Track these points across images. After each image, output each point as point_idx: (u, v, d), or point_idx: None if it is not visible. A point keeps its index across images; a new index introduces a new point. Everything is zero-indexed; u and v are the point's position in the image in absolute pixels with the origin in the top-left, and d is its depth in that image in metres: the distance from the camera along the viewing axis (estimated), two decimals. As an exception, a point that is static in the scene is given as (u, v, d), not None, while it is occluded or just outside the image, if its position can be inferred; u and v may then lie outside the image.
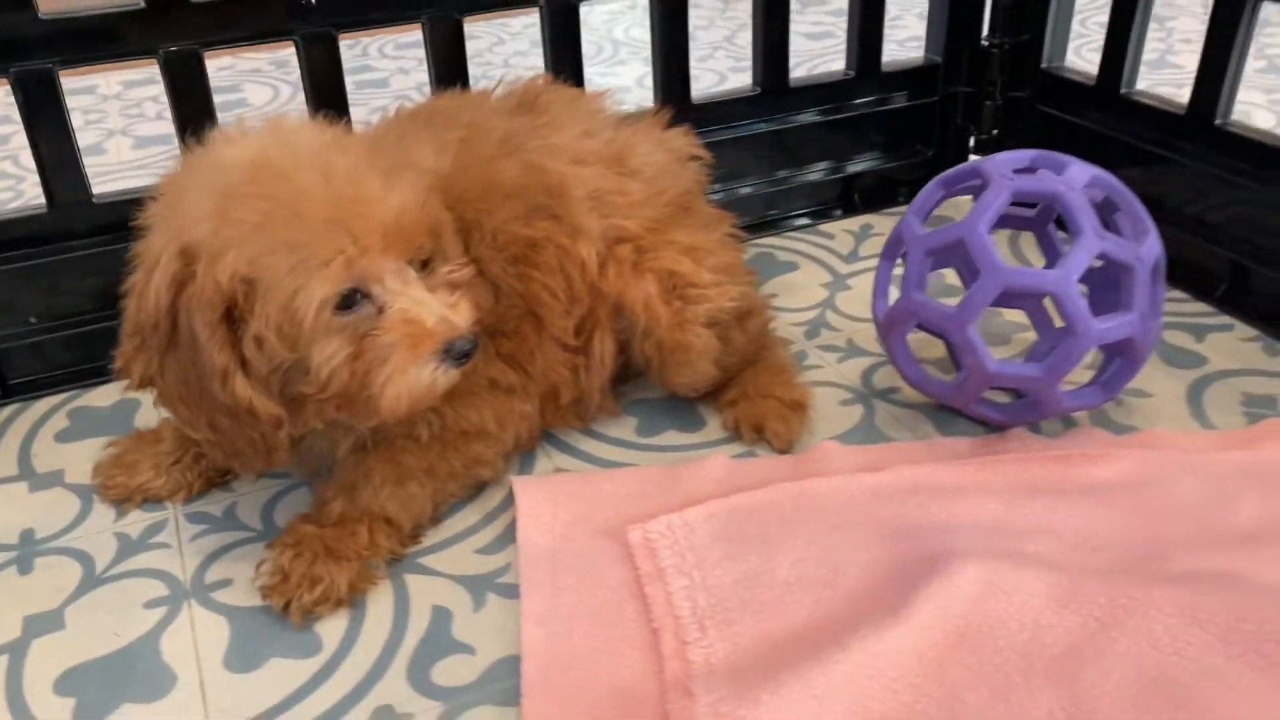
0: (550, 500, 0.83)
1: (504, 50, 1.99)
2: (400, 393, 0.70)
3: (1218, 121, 1.04)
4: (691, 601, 0.73)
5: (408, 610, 0.75)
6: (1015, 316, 1.04)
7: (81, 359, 1.01)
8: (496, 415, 0.82)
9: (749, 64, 1.21)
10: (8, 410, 0.99)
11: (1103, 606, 0.69)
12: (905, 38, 1.92)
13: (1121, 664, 0.66)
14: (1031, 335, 0.99)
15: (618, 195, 0.86)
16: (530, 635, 0.71)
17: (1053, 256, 0.96)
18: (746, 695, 0.64)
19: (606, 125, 0.90)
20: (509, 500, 0.84)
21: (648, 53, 1.16)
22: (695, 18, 2.07)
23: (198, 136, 0.74)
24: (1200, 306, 1.07)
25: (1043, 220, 0.95)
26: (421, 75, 1.06)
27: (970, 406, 0.88)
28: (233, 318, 0.67)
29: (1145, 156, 1.11)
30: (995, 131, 1.29)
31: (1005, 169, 0.85)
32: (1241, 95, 1.06)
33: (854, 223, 1.28)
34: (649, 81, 1.17)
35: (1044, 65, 1.23)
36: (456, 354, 0.71)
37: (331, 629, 0.74)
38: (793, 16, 1.17)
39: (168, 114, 0.97)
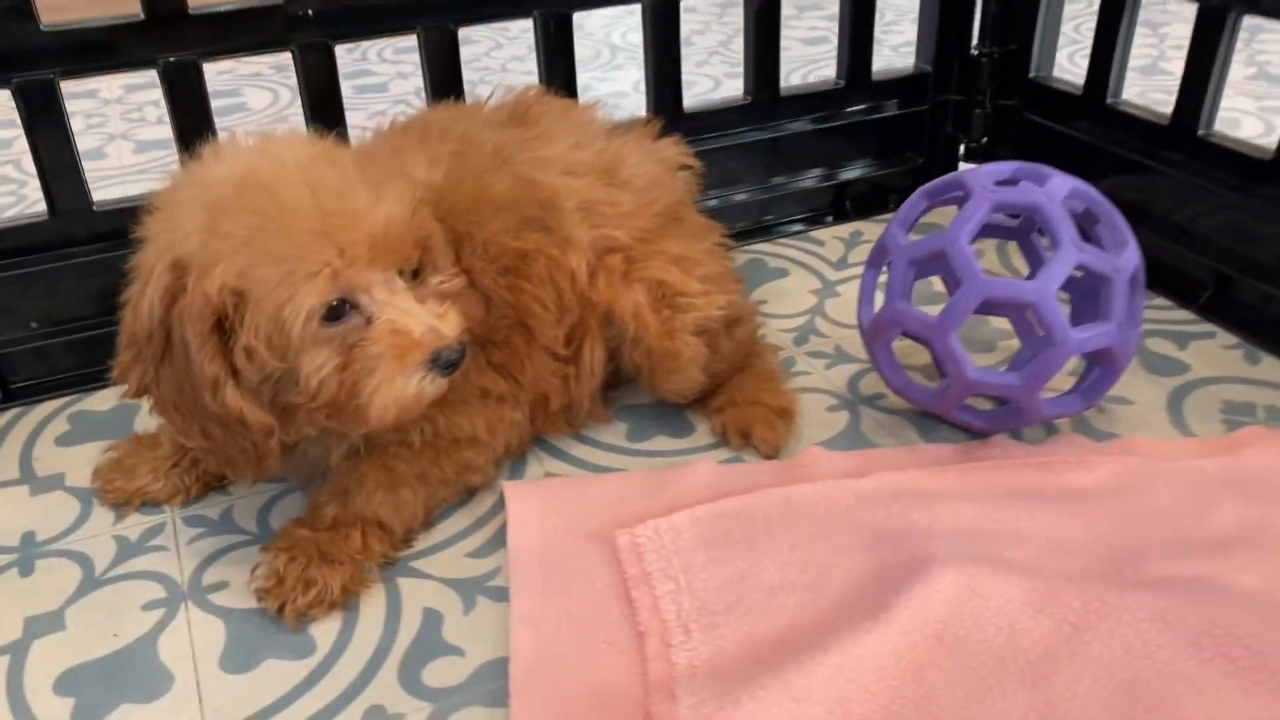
0: (540, 505, 0.84)
1: (501, 55, 2.00)
2: (388, 402, 0.71)
3: (1200, 132, 1.06)
4: (677, 605, 0.74)
5: (399, 613, 0.77)
6: (1001, 323, 1.05)
7: (82, 364, 1.02)
8: (488, 423, 0.83)
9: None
10: (9, 414, 1.01)
11: (1077, 611, 0.71)
12: (899, 43, 1.93)
13: (1094, 668, 0.68)
14: (1016, 342, 1.00)
15: (608, 206, 0.87)
16: (519, 637, 0.73)
17: (1037, 265, 0.97)
18: (728, 697, 0.66)
19: (597, 136, 0.91)
20: (499, 505, 0.86)
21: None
22: (692, 22, 2.09)
23: (196, 145, 0.76)
24: (1183, 314, 1.09)
25: (1026, 230, 0.96)
26: (420, 80, 1.07)
27: (952, 413, 0.90)
28: (223, 329, 0.69)
29: (1130, 165, 1.13)
30: (985, 139, 1.31)
31: (987, 181, 0.86)
32: (1231, 102, 1.07)
33: (844, 229, 1.29)
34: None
35: (1032, 75, 1.24)
36: (444, 364, 0.72)
37: (325, 631, 0.76)
38: (789, 22, 1.19)
39: (168, 119, 0.99)
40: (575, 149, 0.88)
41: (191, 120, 0.98)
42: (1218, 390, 0.97)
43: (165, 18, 0.95)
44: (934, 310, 0.85)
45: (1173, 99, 1.09)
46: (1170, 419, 0.94)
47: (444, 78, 1.06)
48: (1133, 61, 1.17)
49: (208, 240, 0.68)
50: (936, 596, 0.71)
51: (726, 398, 0.94)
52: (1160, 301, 1.10)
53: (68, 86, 0.94)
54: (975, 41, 1.27)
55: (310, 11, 0.99)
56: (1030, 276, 0.83)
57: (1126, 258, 0.84)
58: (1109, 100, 1.15)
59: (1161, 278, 1.09)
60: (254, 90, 1.86)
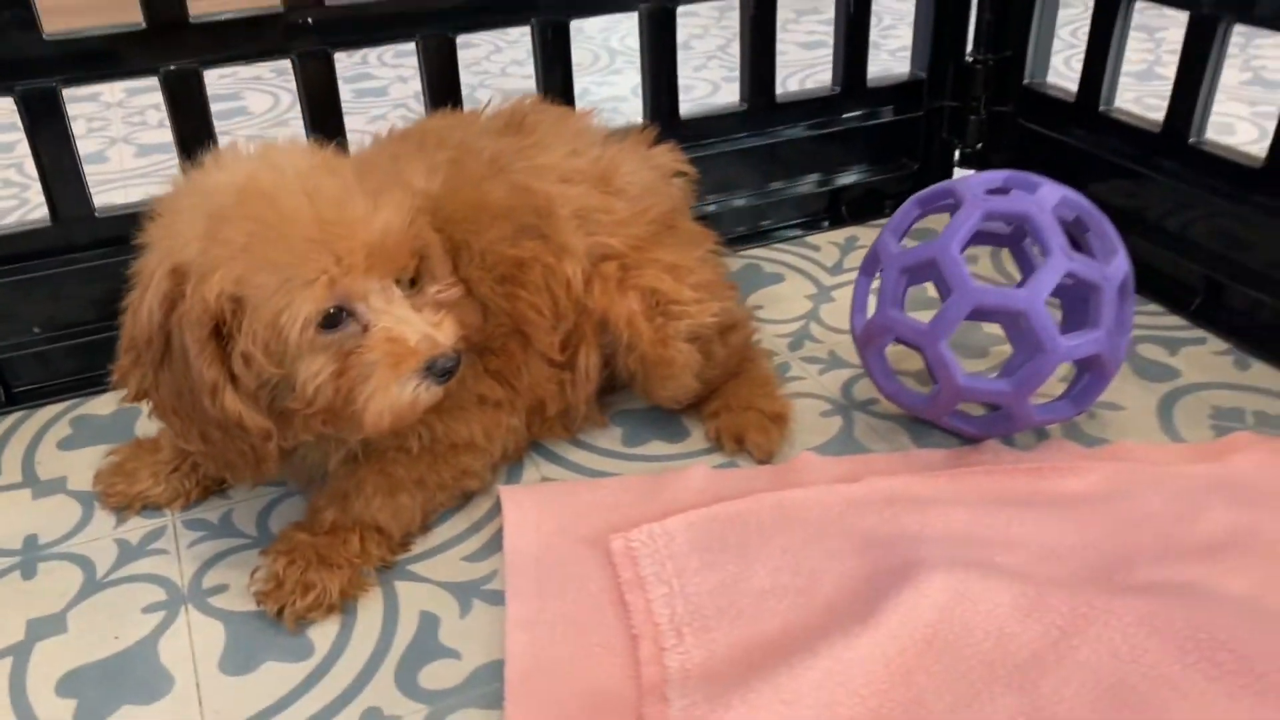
0: (536, 509, 0.85)
1: (501, 59, 2.01)
2: (382, 409, 0.72)
3: (1191, 140, 1.07)
4: (670, 609, 0.75)
5: (397, 616, 0.78)
6: (994, 329, 1.06)
7: (84, 368, 1.03)
8: (485, 429, 0.84)
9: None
10: (12, 418, 1.01)
11: (1065, 615, 0.72)
12: (897, 47, 1.94)
13: (1081, 672, 0.69)
14: (1009, 348, 1.01)
15: (603, 214, 0.88)
16: (514, 640, 0.73)
17: (1028, 272, 0.98)
18: (719, 700, 0.67)
19: (593, 143, 0.92)
20: (496, 509, 0.87)
21: (642, 63, 1.18)
22: (691, 26, 2.09)
23: (197, 152, 0.77)
24: (1174, 320, 1.10)
25: (1017, 238, 0.97)
26: (420, 83, 1.08)
27: (944, 419, 0.91)
28: (221, 335, 0.70)
29: (1123, 172, 1.14)
30: (979, 145, 1.32)
31: (978, 189, 0.87)
32: (1225, 108, 1.08)
33: (840, 235, 1.30)
34: (643, 91, 1.19)
35: (1026, 81, 1.25)
36: (439, 371, 0.73)
37: (323, 634, 0.76)
38: (787, 26, 1.20)
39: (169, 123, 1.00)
40: (571, 156, 0.89)
41: (192, 127, 0.99)
42: (1208, 396, 0.98)
43: (166, 27, 0.96)
44: (927, 316, 0.86)
45: (1165, 105, 1.10)
46: (1160, 424, 0.95)
47: (443, 84, 1.07)
48: (1129, 66, 1.18)
49: (207, 247, 0.69)
50: (926, 601, 0.72)
51: (721, 403, 0.95)
52: (1151, 307, 1.11)
53: (70, 92, 0.95)
54: (970, 48, 1.28)
55: (310, 20, 1.00)
56: (1021, 284, 0.84)
57: (1115, 266, 0.85)
58: (1101, 108, 1.16)
59: (1153, 284, 1.10)
60: (254, 94, 1.87)
